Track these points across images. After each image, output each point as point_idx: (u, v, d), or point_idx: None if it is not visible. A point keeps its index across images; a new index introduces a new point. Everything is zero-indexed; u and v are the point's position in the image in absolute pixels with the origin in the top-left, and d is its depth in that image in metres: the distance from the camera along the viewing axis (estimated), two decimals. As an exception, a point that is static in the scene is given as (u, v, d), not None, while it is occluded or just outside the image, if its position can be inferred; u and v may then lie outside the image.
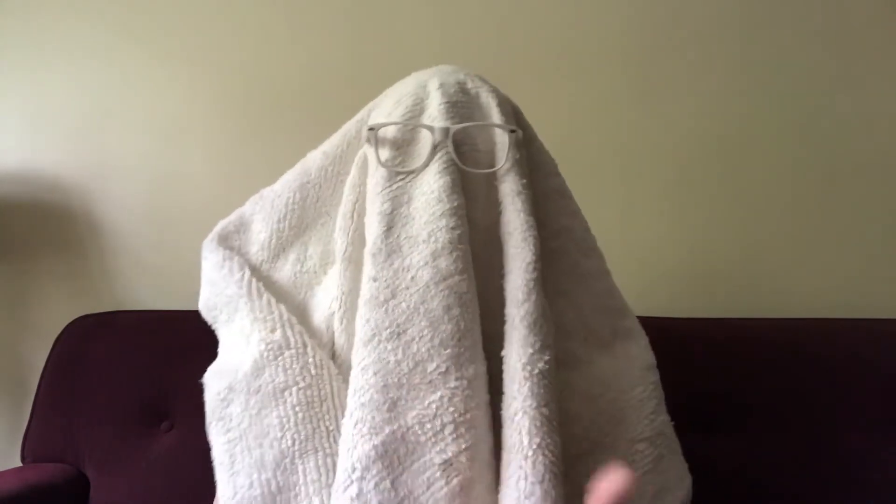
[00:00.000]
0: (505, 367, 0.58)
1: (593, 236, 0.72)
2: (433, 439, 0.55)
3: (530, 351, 0.56)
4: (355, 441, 0.55)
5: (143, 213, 1.34)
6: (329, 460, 0.58)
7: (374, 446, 0.54)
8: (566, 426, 0.61)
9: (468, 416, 0.55)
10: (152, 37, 1.34)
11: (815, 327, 1.13)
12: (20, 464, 1.09)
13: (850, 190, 1.28)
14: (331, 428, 0.60)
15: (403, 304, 0.57)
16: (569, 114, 1.30)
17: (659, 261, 1.29)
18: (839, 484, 1.00)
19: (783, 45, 1.29)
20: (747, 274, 1.29)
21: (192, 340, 1.10)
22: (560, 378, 0.63)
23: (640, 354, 0.69)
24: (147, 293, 1.34)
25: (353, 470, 0.54)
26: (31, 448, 1.09)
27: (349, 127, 0.72)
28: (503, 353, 0.59)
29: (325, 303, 0.67)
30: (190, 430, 1.07)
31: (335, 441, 0.59)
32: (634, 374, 0.67)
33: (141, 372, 1.10)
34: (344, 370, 0.63)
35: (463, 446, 0.55)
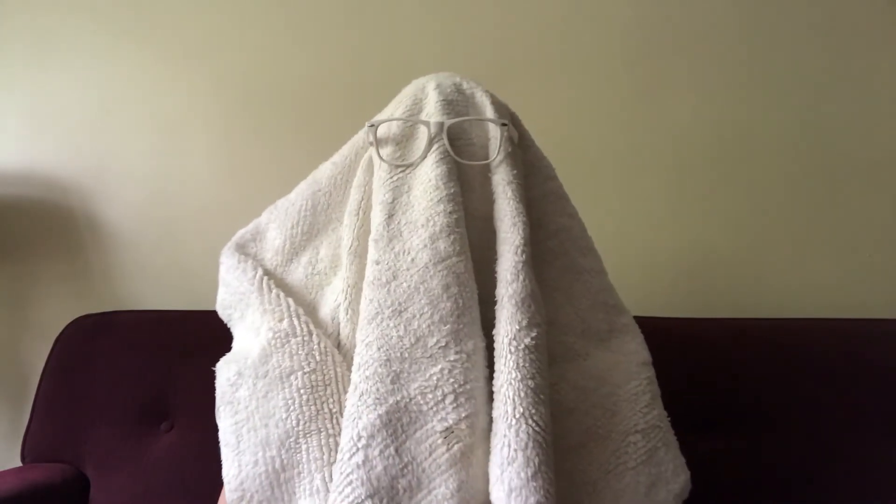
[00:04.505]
0: (495, 343, 0.61)
1: (590, 237, 0.75)
2: (435, 408, 0.58)
3: (517, 327, 0.59)
4: (360, 411, 0.58)
5: (143, 213, 1.34)
6: (331, 440, 0.61)
7: (379, 415, 0.57)
8: (561, 418, 0.63)
9: (468, 386, 0.58)
10: (153, 38, 1.34)
11: (815, 327, 1.13)
12: (20, 464, 1.09)
13: (850, 190, 1.29)
14: (334, 410, 0.63)
15: (404, 285, 0.61)
16: (569, 114, 1.30)
17: (658, 261, 1.29)
18: (839, 483, 1.00)
19: (783, 46, 1.30)
20: (746, 274, 1.30)
21: (192, 340, 1.11)
22: (556, 371, 0.65)
23: (636, 350, 0.71)
24: (147, 293, 1.34)
25: (359, 438, 0.57)
26: (31, 448, 1.10)
27: (357, 137, 0.76)
28: (494, 331, 0.61)
29: (331, 298, 0.70)
30: (190, 430, 1.07)
31: (338, 423, 0.62)
32: (630, 369, 0.69)
33: (141, 372, 1.10)
34: (348, 358, 0.65)
35: (463, 415, 0.58)
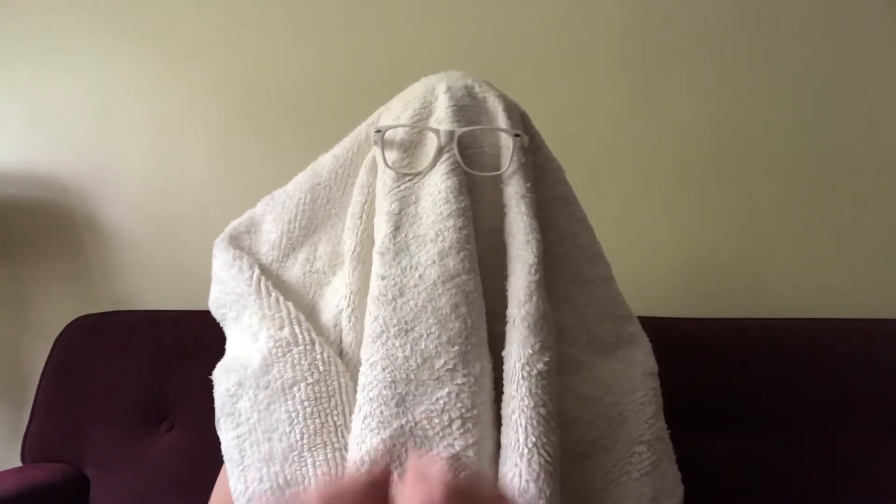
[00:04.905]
0: (505, 366, 0.59)
1: (599, 243, 0.73)
2: (441, 434, 0.55)
3: (529, 351, 0.57)
4: (364, 435, 0.56)
5: (143, 213, 1.34)
6: (338, 454, 0.59)
7: (383, 440, 0.55)
8: (565, 429, 0.61)
9: (475, 411, 0.56)
10: (153, 37, 1.34)
11: (815, 327, 1.13)
12: (20, 464, 1.09)
13: (850, 190, 1.28)
14: (339, 423, 0.61)
15: (411, 302, 0.58)
16: (569, 114, 1.30)
17: (659, 261, 1.29)
18: (839, 483, 1.00)
19: (783, 45, 1.30)
20: (747, 274, 1.29)
21: (192, 340, 1.11)
22: (561, 382, 0.63)
23: (642, 360, 0.70)
24: (147, 293, 1.34)
25: (363, 463, 0.55)
26: (31, 448, 1.09)
27: (360, 130, 0.73)
28: (503, 352, 0.59)
29: (333, 302, 0.68)
30: (190, 430, 1.07)
31: (343, 436, 0.60)
32: (636, 378, 0.67)
33: (141, 372, 1.10)
34: (351, 367, 0.63)
35: (470, 441, 0.55)
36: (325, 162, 0.73)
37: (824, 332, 1.11)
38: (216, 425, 0.64)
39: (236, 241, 0.73)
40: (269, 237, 0.73)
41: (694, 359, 1.06)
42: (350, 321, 0.65)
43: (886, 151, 1.28)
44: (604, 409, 0.65)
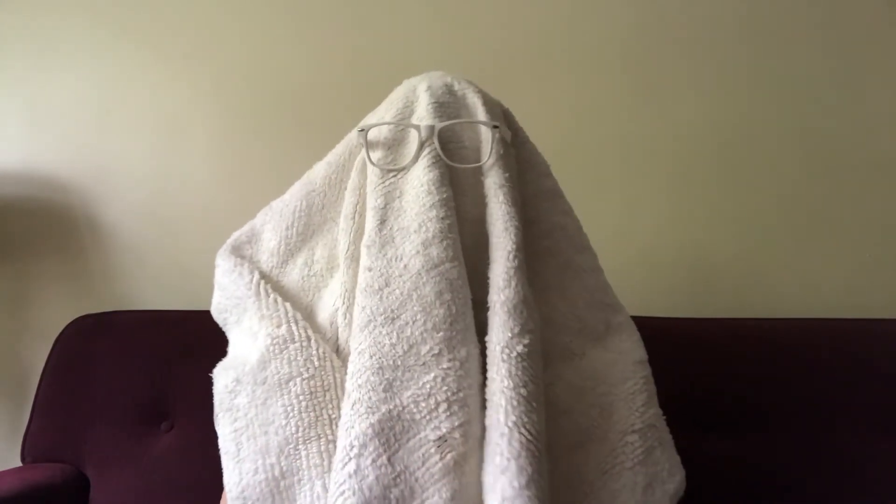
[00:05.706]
0: (487, 350, 0.60)
1: (586, 234, 0.75)
2: (427, 417, 0.57)
3: (509, 335, 0.59)
4: (353, 420, 0.57)
5: (143, 213, 1.34)
6: (331, 447, 0.61)
7: (371, 424, 0.57)
8: (558, 419, 0.63)
9: (461, 394, 0.58)
10: (153, 37, 1.34)
11: (815, 327, 1.13)
12: (20, 464, 1.09)
13: (850, 190, 1.29)
14: (333, 416, 0.62)
15: (397, 291, 0.60)
16: (569, 114, 1.30)
17: (659, 260, 1.29)
18: (838, 483, 1.00)
19: (783, 45, 1.30)
20: (747, 274, 1.30)
21: (192, 340, 1.11)
22: (552, 371, 0.65)
23: (632, 349, 0.71)
24: (147, 293, 1.34)
25: (351, 448, 0.57)
26: (31, 448, 1.10)
27: (351, 136, 0.75)
28: (486, 338, 0.61)
29: (329, 302, 0.69)
30: (190, 430, 1.07)
31: (337, 429, 0.61)
32: (626, 367, 0.69)
33: (141, 372, 1.10)
34: (347, 363, 0.64)
35: (456, 423, 0.57)
36: (319, 169, 0.75)
37: (824, 332, 1.11)
38: (215, 422, 0.65)
39: (238, 252, 0.75)
40: (268, 245, 0.75)
41: (694, 359, 1.06)
42: (345, 318, 0.67)
43: (886, 152, 1.28)
44: (595, 400, 0.66)
